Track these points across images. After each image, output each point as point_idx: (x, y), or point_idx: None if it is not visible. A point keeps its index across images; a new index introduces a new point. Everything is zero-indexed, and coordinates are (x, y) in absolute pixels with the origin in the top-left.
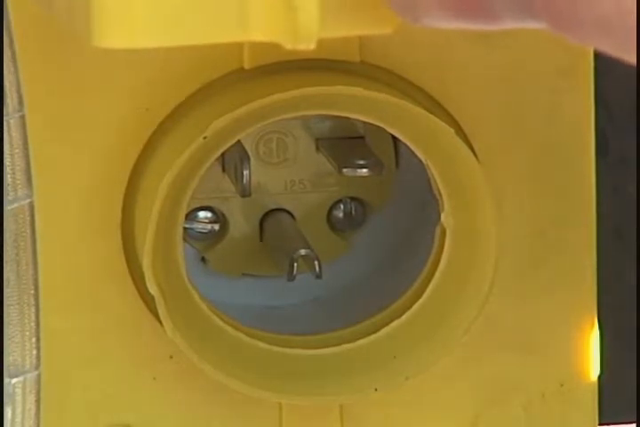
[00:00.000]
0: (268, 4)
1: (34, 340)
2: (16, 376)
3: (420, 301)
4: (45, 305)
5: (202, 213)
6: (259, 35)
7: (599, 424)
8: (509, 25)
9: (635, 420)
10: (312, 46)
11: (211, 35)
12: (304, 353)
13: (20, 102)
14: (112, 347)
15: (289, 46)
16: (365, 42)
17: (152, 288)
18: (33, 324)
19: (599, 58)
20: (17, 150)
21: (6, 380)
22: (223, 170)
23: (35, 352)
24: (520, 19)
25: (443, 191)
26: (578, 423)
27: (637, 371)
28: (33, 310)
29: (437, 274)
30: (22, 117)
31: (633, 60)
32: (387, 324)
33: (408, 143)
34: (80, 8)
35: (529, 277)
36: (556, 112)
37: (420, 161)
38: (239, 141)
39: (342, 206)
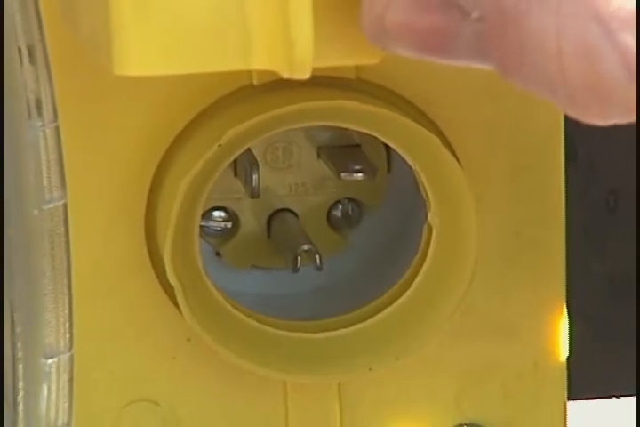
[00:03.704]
0: (268, 38)
1: (67, 325)
2: (51, 357)
3: (409, 291)
4: (77, 294)
5: (216, 213)
6: (259, 64)
7: (568, 399)
8: (463, 64)
9: (599, 395)
10: (307, 75)
11: (217, 64)
12: (306, 337)
13: (55, 114)
14: (136, 331)
15: (286, 75)
16: None
17: (172, 279)
18: (66, 311)
19: None
20: (52, 157)
21: (42, 360)
22: (235, 174)
23: (68, 336)
24: (474, 62)
25: (429, 193)
26: (549, 399)
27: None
28: (66, 298)
29: (424, 267)
30: (57, 127)
31: (575, 115)
32: (379, 311)
33: (399, 151)
34: (102, 40)
35: (506, 270)
36: (530, 122)
37: (410, 166)
38: (249, 149)
39: (340, 207)
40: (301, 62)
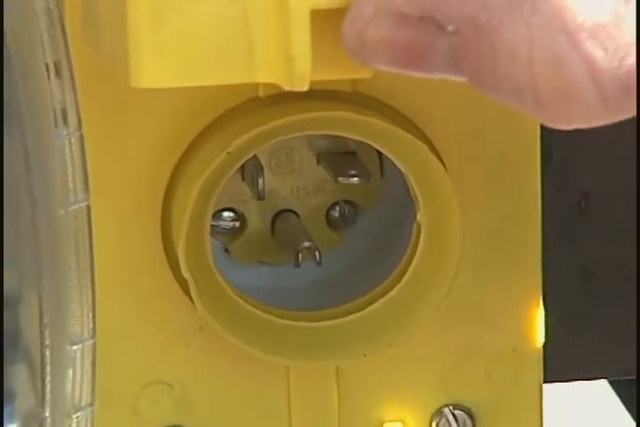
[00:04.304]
0: (271, 54)
1: (90, 315)
2: (76, 344)
3: (400, 283)
4: (100, 287)
5: (225, 213)
6: (263, 78)
7: (544, 382)
8: (439, 77)
9: (571, 378)
10: (305, 88)
11: (225, 78)
12: (307, 325)
13: (79, 123)
14: (153, 320)
15: (287, 87)
16: None
17: (185, 273)
18: (90, 302)
19: None
20: (77, 162)
21: (68, 347)
22: (242, 178)
23: (91, 325)
24: (450, 75)
25: (418, 195)
26: (527, 381)
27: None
28: (90, 291)
29: (414, 262)
30: (81, 136)
31: (542, 120)
32: (373, 302)
33: (391, 157)
34: (121, 56)
35: (487, 264)
36: (509, 131)
37: (401, 171)
38: (255, 156)
39: (338, 208)
40: (301, 76)
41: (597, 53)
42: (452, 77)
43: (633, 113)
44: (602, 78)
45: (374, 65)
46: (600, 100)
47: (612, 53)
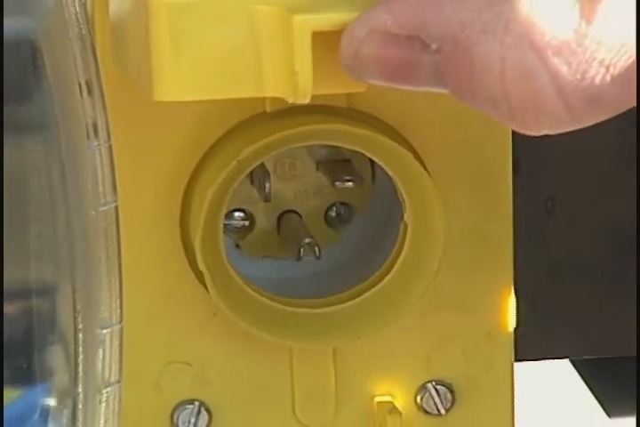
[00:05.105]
0: (277, 71)
1: (118, 302)
2: (105, 328)
3: (389, 275)
4: (126, 278)
5: (236, 213)
6: (270, 92)
7: (514, 360)
8: (425, 90)
9: (539, 358)
10: (307, 101)
11: (236, 92)
12: (307, 311)
13: (108, 136)
14: (173, 307)
15: (291, 100)
16: (351, 93)
17: (201, 266)
18: (117, 290)
19: None
20: (106, 169)
21: (98, 331)
22: (251, 183)
23: (118, 311)
24: (434, 87)
25: (405, 198)
26: (500, 360)
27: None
28: (117, 281)
29: (401, 257)
30: (110, 146)
31: (514, 127)
32: (366, 291)
33: (380, 164)
34: (145, 74)
35: (465, 258)
36: (485, 141)
37: (390, 177)
38: (262, 163)
39: (335, 208)
40: (303, 90)
41: (562, 68)
42: (436, 89)
43: (595, 121)
44: (566, 90)
45: (367, 80)
46: (565, 109)
47: (574, 68)
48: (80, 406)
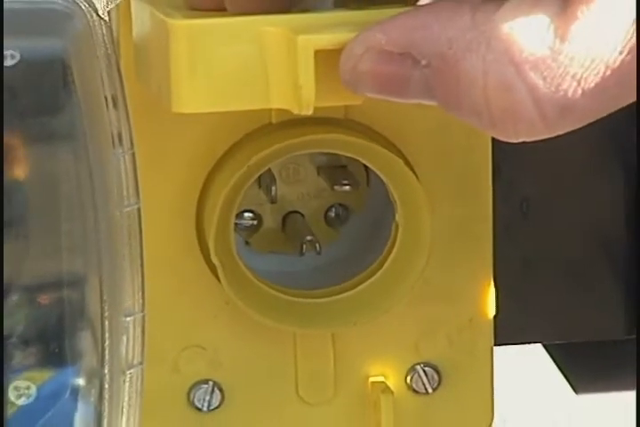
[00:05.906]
0: (283, 85)
1: (140, 292)
2: (129, 316)
3: (383, 269)
4: (147, 271)
5: (246, 214)
6: (276, 104)
7: (494, 345)
8: (415, 102)
9: (515, 342)
10: (310, 112)
11: (246, 104)
12: (309, 301)
13: (132, 144)
14: (189, 296)
15: (295, 111)
16: (348, 106)
17: (215, 260)
18: (139, 282)
19: None
20: (129, 174)
21: (122, 318)
22: (259, 186)
23: (141, 301)
24: (424, 100)
25: (396, 200)
26: (481, 345)
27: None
28: (139, 274)
29: (393, 253)
30: (133, 154)
31: (495, 135)
32: (361, 283)
33: (374, 170)
34: (165, 88)
35: (450, 254)
36: (468, 149)
37: (383, 181)
38: (269, 169)
39: (334, 210)
40: (306, 102)
41: (538, 81)
42: (426, 102)
43: (567, 129)
44: (542, 101)
45: (364, 93)
46: (540, 118)
47: (549, 81)
48: (106, 386)
